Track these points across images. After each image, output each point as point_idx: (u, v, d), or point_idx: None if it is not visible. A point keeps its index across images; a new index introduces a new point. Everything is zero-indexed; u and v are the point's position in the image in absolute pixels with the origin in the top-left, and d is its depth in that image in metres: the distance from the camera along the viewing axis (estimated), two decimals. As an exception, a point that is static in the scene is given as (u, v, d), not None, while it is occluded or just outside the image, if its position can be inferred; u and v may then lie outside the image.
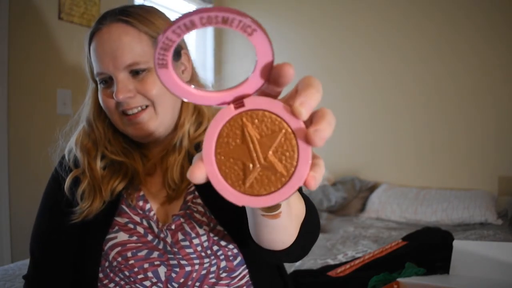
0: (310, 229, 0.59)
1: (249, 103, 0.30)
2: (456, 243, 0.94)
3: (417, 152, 2.63)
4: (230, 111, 0.30)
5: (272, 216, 0.43)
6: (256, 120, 0.30)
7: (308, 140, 0.29)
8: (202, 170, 0.30)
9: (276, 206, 0.42)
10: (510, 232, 1.90)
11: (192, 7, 3.16)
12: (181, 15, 0.26)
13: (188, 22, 0.27)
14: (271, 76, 0.29)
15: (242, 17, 0.27)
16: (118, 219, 0.74)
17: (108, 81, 0.71)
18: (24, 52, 1.90)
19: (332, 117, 0.29)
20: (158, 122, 0.72)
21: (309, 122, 0.29)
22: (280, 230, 0.50)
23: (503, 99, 2.38)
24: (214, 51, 3.25)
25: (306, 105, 0.28)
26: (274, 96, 0.31)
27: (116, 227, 0.73)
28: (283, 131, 0.29)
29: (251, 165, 0.30)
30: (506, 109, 2.37)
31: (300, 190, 0.55)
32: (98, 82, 0.73)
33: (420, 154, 2.62)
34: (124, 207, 0.75)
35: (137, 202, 0.75)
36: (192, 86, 0.30)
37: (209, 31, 3.23)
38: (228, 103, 0.30)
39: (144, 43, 0.70)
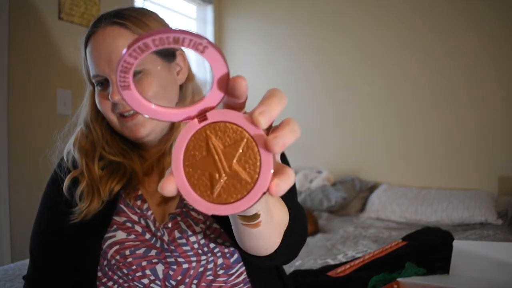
0: (294, 235, 0.59)
1: (212, 116, 0.31)
2: (456, 243, 0.94)
3: (417, 152, 2.63)
4: (195, 125, 0.31)
5: (253, 226, 0.43)
6: (219, 132, 0.31)
7: (267, 147, 0.29)
8: (173, 183, 0.31)
9: (255, 216, 0.42)
10: (510, 232, 1.90)
11: (192, 7, 3.16)
12: (135, 39, 0.28)
13: (142, 45, 0.28)
14: (229, 89, 0.31)
15: (192, 36, 0.28)
16: (117, 218, 0.74)
17: (104, 83, 0.72)
18: (24, 52, 1.90)
19: (295, 125, 0.30)
20: (154, 123, 0.73)
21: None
22: (262, 237, 0.50)
23: (503, 99, 2.37)
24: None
25: (265, 114, 0.29)
26: (239, 108, 0.32)
27: (115, 226, 0.74)
28: (245, 140, 0.31)
29: (217, 175, 0.31)
30: (506, 109, 2.37)
31: (286, 196, 0.55)
32: (95, 85, 0.74)
33: (420, 154, 2.62)
34: (122, 206, 0.76)
35: (135, 202, 0.76)
36: (153, 104, 0.32)
37: (209, 30, 3.23)
38: (192, 118, 0.32)
39: None
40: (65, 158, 0.80)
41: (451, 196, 2.28)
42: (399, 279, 0.85)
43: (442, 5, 2.52)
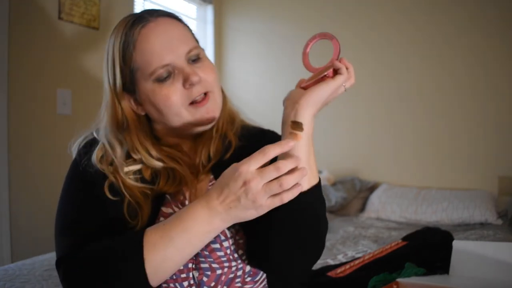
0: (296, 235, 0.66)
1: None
2: (456, 243, 0.94)
3: (417, 152, 2.63)
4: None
5: (296, 136, 0.66)
6: None
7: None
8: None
9: (300, 125, 0.68)
10: (510, 232, 1.90)
11: (192, 7, 3.16)
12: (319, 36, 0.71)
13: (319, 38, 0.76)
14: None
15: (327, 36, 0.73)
16: (163, 209, 0.73)
17: (165, 76, 0.70)
18: (24, 52, 1.90)
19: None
20: (218, 105, 0.75)
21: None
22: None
23: (503, 98, 2.37)
24: (214, 48, 3.25)
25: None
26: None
27: (162, 218, 0.71)
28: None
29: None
30: (506, 108, 2.36)
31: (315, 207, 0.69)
32: (153, 80, 0.70)
33: (420, 154, 2.62)
34: (168, 197, 0.74)
35: (178, 196, 0.75)
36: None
37: (209, 30, 3.22)
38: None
39: (190, 36, 0.76)
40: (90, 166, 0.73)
41: (451, 196, 2.28)
42: (398, 279, 0.85)
43: (443, 4, 2.52)
